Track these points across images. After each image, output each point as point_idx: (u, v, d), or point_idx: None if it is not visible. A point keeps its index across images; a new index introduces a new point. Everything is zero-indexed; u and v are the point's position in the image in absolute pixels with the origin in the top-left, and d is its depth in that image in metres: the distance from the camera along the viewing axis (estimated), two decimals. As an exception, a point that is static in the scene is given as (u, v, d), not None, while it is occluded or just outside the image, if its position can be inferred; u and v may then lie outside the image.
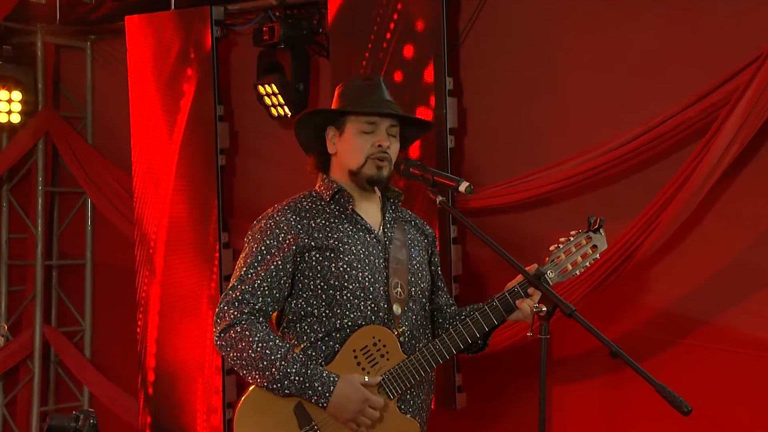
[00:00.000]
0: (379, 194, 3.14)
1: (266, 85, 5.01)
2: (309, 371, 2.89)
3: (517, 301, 2.94)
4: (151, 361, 5.50)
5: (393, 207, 3.17)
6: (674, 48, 4.02)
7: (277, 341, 2.93)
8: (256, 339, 2.90)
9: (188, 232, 5.34)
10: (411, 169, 3.05)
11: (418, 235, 3.22)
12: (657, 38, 4.07)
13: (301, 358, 2.92)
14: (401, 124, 3.12)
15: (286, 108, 5.02)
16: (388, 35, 4.49)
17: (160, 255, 5.46)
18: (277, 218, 3.03)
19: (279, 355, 2.89)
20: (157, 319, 5.46)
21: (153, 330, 5.48)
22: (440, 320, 3.22)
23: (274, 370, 2.88)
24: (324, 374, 2.89)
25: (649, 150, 3.95)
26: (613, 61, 4.18)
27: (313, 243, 2.98)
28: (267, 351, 2.89)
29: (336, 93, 3.16)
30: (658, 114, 3.90)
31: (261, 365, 2.89)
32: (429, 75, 4.36)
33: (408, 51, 4.43)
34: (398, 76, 4.45)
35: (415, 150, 4.33)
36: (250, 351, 2.90)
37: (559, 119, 4.35)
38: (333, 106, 3.14)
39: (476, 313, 2.98)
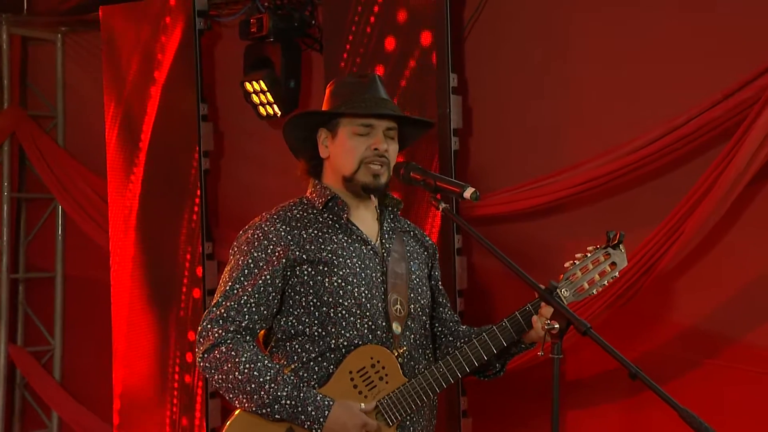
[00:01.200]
0: (377, 202, 3.14)
1: (254, 82, 5.02)
2: (302, 394, 2.89)
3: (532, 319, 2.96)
4: (119, 381, 5.53)
5: (391, 216, 3.19)
6: (699, 41, 4.03)
7: (266, 362, 2.94)
8: (243, 359, 2.91)
9: (156, 242, 5.37)
10: (411, 174, 3.06)
11: (417, 247, 3.23)
12: (680, 30, 4.08)
13: (293, 380, 2.93)
14: (400, 123, 3.13)
15: (275, 107, 5.03)
16: (386, 27, 4.51)
17: (126, 266, 5.49)
18: (266, 228, 3.04)
19: (268, 377, 2.90)
20: (125, 343, 5.49)
21: (121, 346, 5.51)
22: (450, 338, 3.23)
23: (263, 393, 2.89)
24: (318, 398, 2.90)
25: (672, 153, 3.96)
26: (633, 55, 4.19)
27: (304, 256, 2.99)
28: (255, 373, 2.90)
29: (327, 91, 3.17)
30: (681, 113, 3.91)
31: (249, 388, 2.90)
32: (431, 70, 4.37)
33: (408, 44, 4.44)
34: (397, 72, 4.45)
35: (415, 152, 4.34)
36: (236, 373, 2.91)
37: (574, 119, 4.36)
38: (324, 106, 3.15)
39: (484, 333, 3.00)
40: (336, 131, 3.09)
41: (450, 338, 3.23)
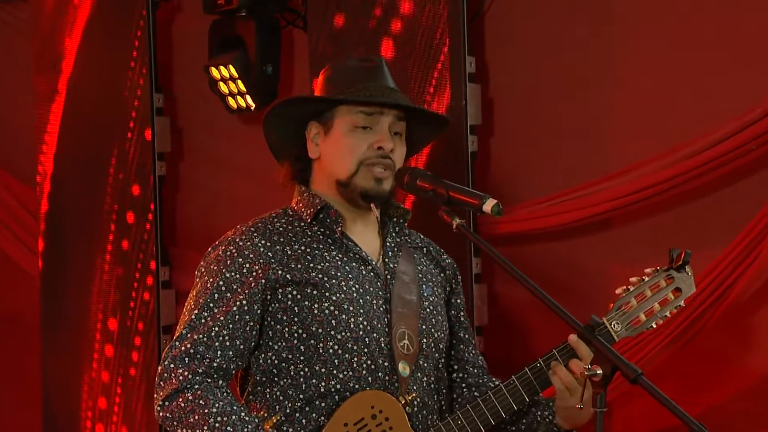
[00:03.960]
0: (378, 213, 3.15)
1: (221, 67, 5.04)
2: (286, 453, 2.92)
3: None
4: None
5: (397, 229, 3.19)
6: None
7: (243, 414, 2.93)
8: (215, 411, 2.90)
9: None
10: (418, 182, 3.06)
11: (432, 266, 3.24)
12: (758, 4, 4.09)
13: (275, 435, 2.95)
14: (408, 121, 3.14)
15: (248, 98, 5.05)
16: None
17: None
18: (241, 243, 3.05)
19: (245, 433, 2.90)
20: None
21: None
22: (474, 389, 3.23)
23: (238, 453, 2.89)
24: (306, 456, 2.92)
25: (745, 155, 3.97)
26: (697, 34, 4.20)
27: (288, 276, 2.99)
28: (229, 428, 2.89)
29: (321, 77, 3.19)
30: (756, 106, 3.93)
31: (221, 446, 2.90)
32: (443, 53, 4.39)
33: (414, 21, 4.46)
34: (400, 58, 4.47)
35: (421, 154, 4.36)
36: (205, 427, 2.89)
37: (622, 113, 4.37)
38: (317, 94, 3.17)
39: (514, 378, 3.01)
40: (330, 125, 3.11)
41: (473, 389, 3.23)
